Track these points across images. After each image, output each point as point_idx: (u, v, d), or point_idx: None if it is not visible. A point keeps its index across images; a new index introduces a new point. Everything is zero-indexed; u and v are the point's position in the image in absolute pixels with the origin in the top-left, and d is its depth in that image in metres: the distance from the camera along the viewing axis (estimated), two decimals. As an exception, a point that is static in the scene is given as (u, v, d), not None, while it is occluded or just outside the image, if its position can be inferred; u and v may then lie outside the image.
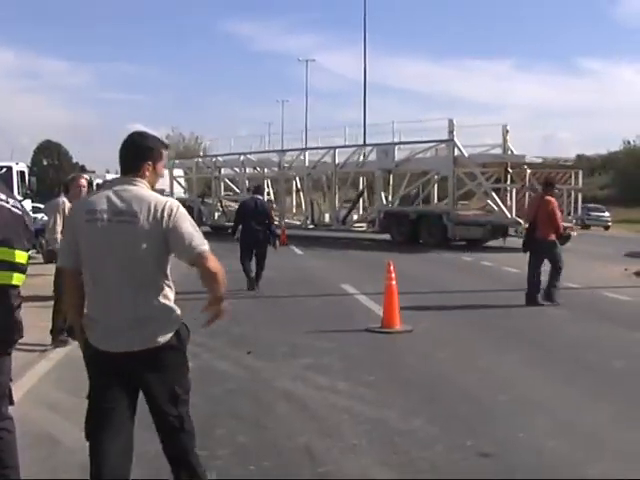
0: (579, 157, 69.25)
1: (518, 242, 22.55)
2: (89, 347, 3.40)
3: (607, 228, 41.55)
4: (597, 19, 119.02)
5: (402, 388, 6.26)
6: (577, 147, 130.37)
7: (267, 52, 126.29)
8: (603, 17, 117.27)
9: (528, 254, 11.25)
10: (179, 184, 34.70)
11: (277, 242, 13.85)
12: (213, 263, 3.31)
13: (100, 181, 17.84)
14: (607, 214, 43.44)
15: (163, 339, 3.32)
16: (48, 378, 6.60)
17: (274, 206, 27.69)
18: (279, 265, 15.61)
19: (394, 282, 9.16)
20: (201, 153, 50.04)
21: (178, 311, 3.42)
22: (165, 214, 3.25)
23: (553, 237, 11.13)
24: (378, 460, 4.50)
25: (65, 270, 3.51)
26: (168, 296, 3.38)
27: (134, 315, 3.28)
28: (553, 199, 11.35)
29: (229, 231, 14.57)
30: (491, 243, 24.09)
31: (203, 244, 3.30)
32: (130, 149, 3.45)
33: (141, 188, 3.35)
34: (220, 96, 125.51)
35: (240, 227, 13.30)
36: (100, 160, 64.07)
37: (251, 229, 12.99)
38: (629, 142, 64.58)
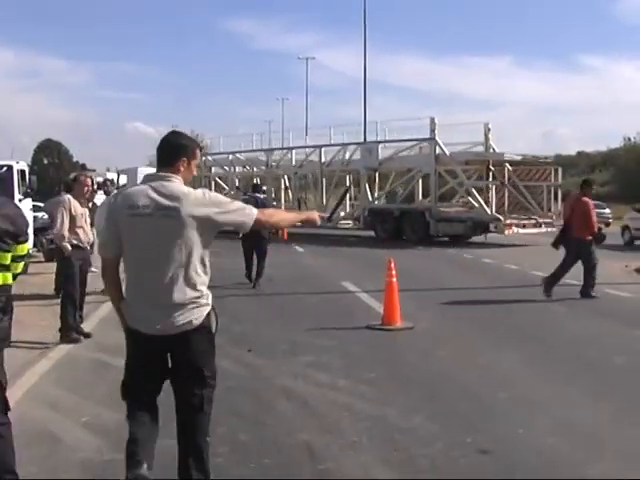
0: (579, 154, 69.33)
1: (498, 238, 23.07)
2: (128, 328, 3.71)
3: (608, 225, 41.44)
4: (597, 16, 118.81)
5: (402, 385, 6.27)
6: (577, 144, 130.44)
7: (267, 50, 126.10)
8: (603, 14, 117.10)
9: (565, 251, 11.57)
10: None
11: (278, 233, 14.37)
12: (270, 219, 3.90)
13: (101, 179, 17.79)
14: (608, 211, 43.34)
15: (197, 322, 3.59)
16: (48, 377, 6.60)
17: (274, 204, 27.97)
18: (280, 263, 15.63)
19: (395, 279, 9.17)
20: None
21: (210, 295, 3.69)
22: (209, 205, 3.56)
23: (590, 238, 11.39)
24: (378, 457, 4.51)
25: (110, 260, 3.76)
26: (204, 281, 3.65)
27: (174, 301, 3.54)
28: (589, 200, 11.61)
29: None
30: (474, 239, 24.57)
31: (252, 213, 3.67)
32: (167, 146, 3.72)
33: (176, 183, 3.60)
34: (220, 95, 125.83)
35: None
36: (100, 158, 64.37)
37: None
38: (629, 139, 64.38)
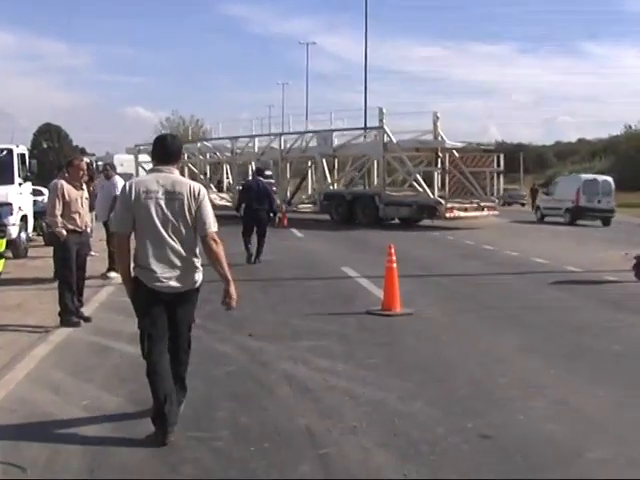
0: (579, 141, 69.21)
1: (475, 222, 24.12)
2: (142, 290, 4.58)
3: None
4: (601, 3, 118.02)
5: (402, 370, 6.27)
6: (578, 131, 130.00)
7: (268, 35, 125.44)
8: (607, 1, 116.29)
9: None
10: (144, 169, 34.73)
11: (276, 219, 15.25)
12: (216, 244, 4.61)
13: (101, 163, 17.81)
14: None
15: (197, 285, 4.67)
16: (48, 360, 6.59)
17: (275, 188, 28.19)
18: (280, 248, 15.64)
19: (395, 265, 9.16)
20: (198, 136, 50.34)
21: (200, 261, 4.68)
22: (199, 195, 4.59)
23: None
24: (378, 442, 4.51)
25: (123, 236, 4.66)
26: (198, 251, 4.66)
27: (180, 265, 4.55)
28: None
29: (235, 212, 15.76)
30: (425, 222, 25.63)
31: (214, 226, 4.62)
32: (168, 149, 4.74)
33: (177, 175, 4.69)
34: (221, 79, 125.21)
35: (243, 206, 14.59)
36: (100, 143, 64.22)
37: (253, 208, 14.22)
38: (630, 126, 64.28)
